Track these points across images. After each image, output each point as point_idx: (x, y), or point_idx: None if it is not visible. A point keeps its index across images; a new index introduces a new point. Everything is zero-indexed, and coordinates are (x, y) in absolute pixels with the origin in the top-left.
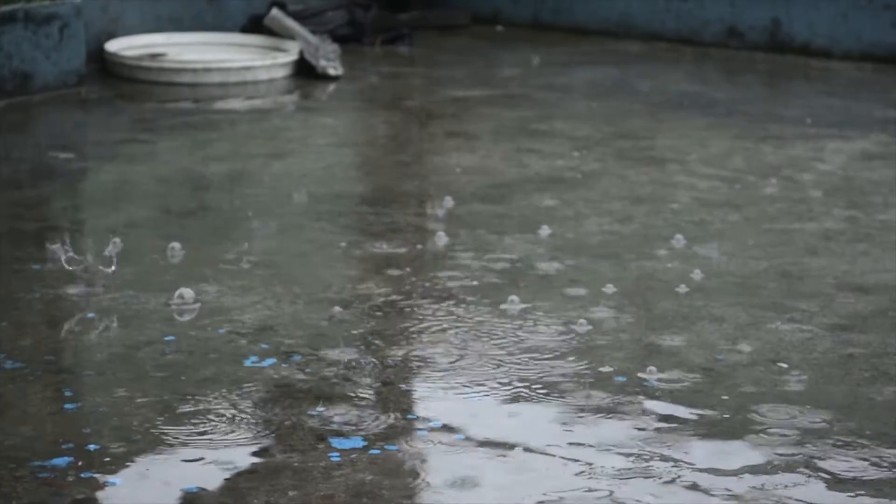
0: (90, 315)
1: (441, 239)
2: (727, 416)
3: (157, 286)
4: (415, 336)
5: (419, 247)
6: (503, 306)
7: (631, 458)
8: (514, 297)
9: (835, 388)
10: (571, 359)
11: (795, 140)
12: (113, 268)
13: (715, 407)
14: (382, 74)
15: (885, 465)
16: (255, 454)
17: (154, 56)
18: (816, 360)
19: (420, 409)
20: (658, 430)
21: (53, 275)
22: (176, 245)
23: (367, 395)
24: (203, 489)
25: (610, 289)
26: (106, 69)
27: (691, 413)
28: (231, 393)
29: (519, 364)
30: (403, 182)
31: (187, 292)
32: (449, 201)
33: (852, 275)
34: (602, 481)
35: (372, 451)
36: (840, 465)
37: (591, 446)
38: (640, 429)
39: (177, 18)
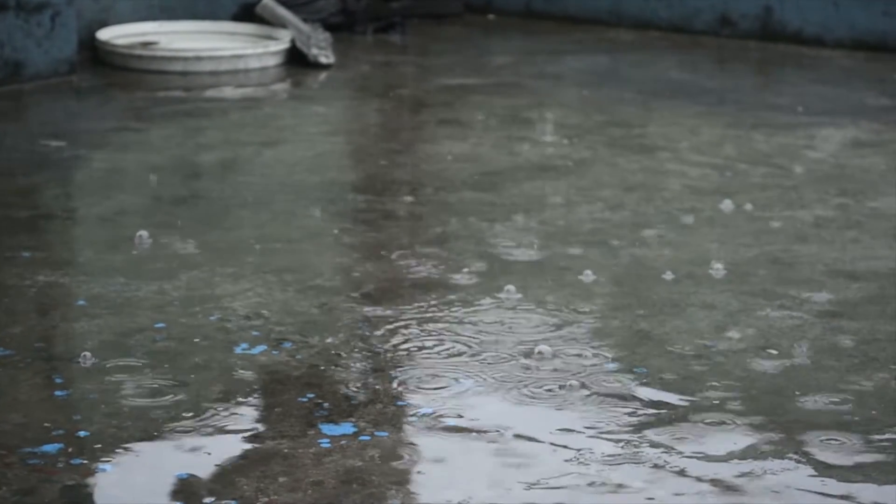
0: (80, 302)
1: (434, 230)
2: (717, 402)
3: (147, 274)
4: (405, 323)
5: (410, 234)
6: (494, 294)
7: (621, 445)
8: (506, 286)
9: (824, 375)
10: (561, 345)
11: (787, 128)
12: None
13: (705, 393)
14: (374, 63)
15: (874, 450)
16: (245, 441)
17: (146, 44)
18: (806, 347)
19: (410, 396)
20: (648, 416)
21: (45, 262)
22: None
23: (357, 382)
24: (194, 475)
25: (600, 276)
26: (98, 58)
27: (681, 399)
28: (221, 380)
29: (508, 350)
30: (395, 170)
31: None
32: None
33: (843, 262)
34: (592, 467)
35: (362, 438)
36: (829, 450)
37: (580, 432)
38: (629, 415)
39: (169, 7)
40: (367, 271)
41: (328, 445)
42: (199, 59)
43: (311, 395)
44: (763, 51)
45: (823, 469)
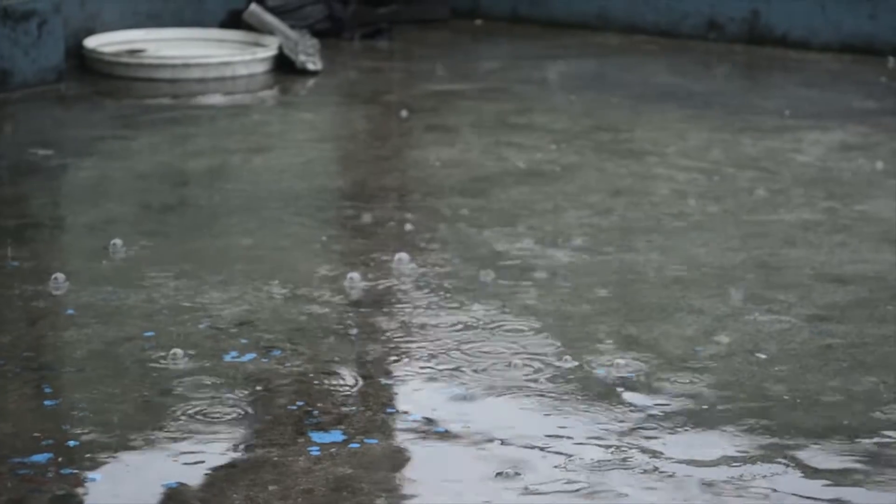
0: (69, 311)
1: (423, 236)
2: (706, 407)
3: (135, 282)
4: (394, 330)
5: (399, 241)
6: (483, 300)
7: (610, 450)
8: (495, 291)
9: (812, 379)
10: (551, 351)
11: (774, 132)
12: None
13: (693, 398)
14: (362, 69)
15: (862, 454)
16: (235, 449)
17: (133, 52)
18: (794, 351)
19: (399, 403)
20: (637, 421)
21: (33, 271)
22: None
23: (347, 390)
24: (183, 484)
25: (589, 281)
26: (85, 66)
27: (670, 404)
28: (210, 388)
29: (498, 357)
30: (383, 176)
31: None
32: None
33: (830, 265)
34: (581, 473)
35: (352, 446)
36: (817, 455)
37: (569, 438)
38: (618, 420)
39: (156, 14)
40: (356, 278)
41: (318, 453)
42: (186, 66)
43: (301, 403)
44: (750, 54)
45: (812, 473)
